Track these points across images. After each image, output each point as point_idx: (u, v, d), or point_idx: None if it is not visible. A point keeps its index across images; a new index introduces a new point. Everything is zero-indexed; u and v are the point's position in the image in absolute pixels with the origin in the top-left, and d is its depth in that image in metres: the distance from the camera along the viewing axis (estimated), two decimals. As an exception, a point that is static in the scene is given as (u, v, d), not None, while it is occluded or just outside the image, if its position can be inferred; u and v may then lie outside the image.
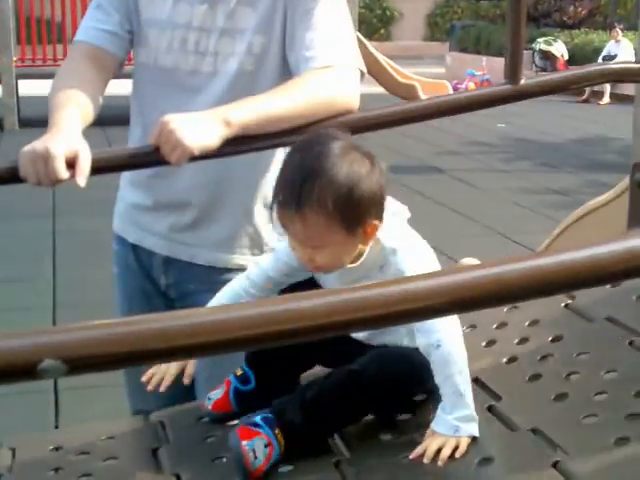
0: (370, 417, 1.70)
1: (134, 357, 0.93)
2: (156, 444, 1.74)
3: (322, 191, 1.51)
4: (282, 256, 1.71)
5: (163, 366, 1.72)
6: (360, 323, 1.02)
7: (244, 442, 1.55)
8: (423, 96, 11.44)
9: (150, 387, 1.71)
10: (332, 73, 1.89)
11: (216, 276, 2.04)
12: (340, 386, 1.61)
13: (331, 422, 1.64)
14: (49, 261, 5.78)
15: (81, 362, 0.89)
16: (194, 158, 1.76)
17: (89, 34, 2.03)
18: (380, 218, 1.59)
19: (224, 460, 1.64)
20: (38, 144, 1.74)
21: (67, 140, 1.76)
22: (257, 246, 2.08)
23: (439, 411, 1.59)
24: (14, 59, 10.95)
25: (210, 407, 1.76)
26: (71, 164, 1.73)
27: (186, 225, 2.07)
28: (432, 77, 14.24)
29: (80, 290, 5.14)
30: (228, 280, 1.90)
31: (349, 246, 1.58)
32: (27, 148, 1.75)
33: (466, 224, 6.81)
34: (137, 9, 2.02)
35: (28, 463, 1.74)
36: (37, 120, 10.83)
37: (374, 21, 24.90)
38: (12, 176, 1.79)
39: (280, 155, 2.01)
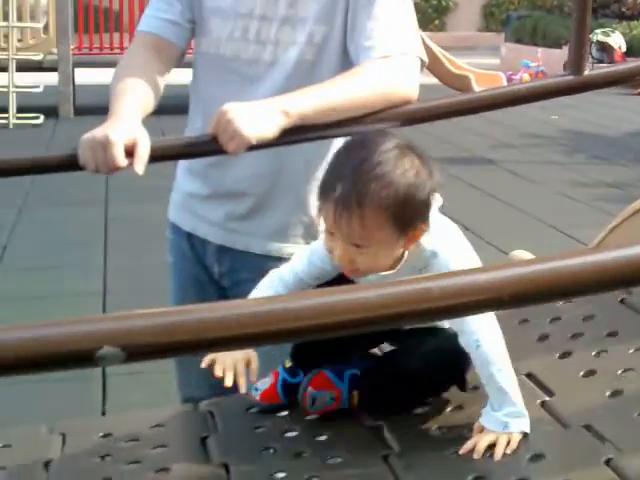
0: (419, 411, 1.70)
1: (192, 345, 0.94)
2: (205, 433, 1.75)
3: (386, 191, 1.52)
4: (316, 260, 1.72)
5: (228, 360, 1.71)
6: (419, 315, 1.01)
7: (310, 389, 1.64)
8: (477, 87, 11.35)
9: (218, 373, 1.70)
10: (391, 63, 1.88)
11: (270, 265, 2.03)
12: (405, 379, 1.67)
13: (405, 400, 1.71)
14: (100, 248, 5.85)
15: (139, 350, 0.90)
16: (251, 147, 1.76)
17: (151, 24, 2.04)
18: (427, 222, 1.59)
19: (271, 451, 1.66)
20: (98, 132, 1.76)
21: (126, 128, 1.77)
22: (311, 235, 2.08)
23: (487, 407, 1.58)
24: (71, 47, 11.07)
25: (258, 397, 1.76)
26: (130, 152, 1.75)
27: (242, 214, 2.07)
28: (486, 68, 14.11)
29: (130, 277, 5.19)
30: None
31: (393, 249, 1.59)
32: (87, 136, 1.77)
33: (518, 217, 6.74)
34: None
35: (78, 449, 1.76)
36: (92, 108, 11.00)
37: (429, 11, 24.74)
38: (71, 163, 1.81)
39: (337, 145, 2.01)
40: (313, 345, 1.70)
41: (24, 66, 10.66)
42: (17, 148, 8.06)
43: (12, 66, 10.35)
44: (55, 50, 11.00)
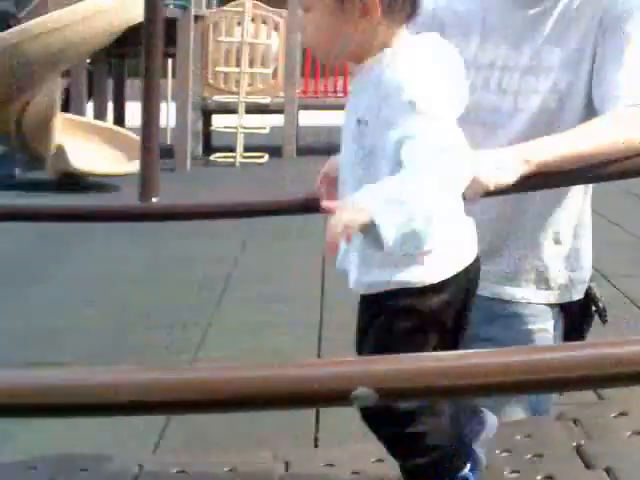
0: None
1: (439, 391, 0.95)
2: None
3: None
4: None
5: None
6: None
7: None
8: None
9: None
10: (637, 113, 1.83)
11: (500, 308, 2.04)
12: None
13: None
14: (318, 280, 5.97)
15: (391, 392, 0.92)
16: (489, 194, 1.77)
17: None
18: None
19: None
20: None
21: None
22: (543, 280, 2.06)
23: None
24: (297, 91, 11.50)
25: None
26: None
27: (474, 258, 2.07)
28: None
29: (346, 310, 5.24)
30: (512, 313, 1.90)
31: (340, 19, 1.47)
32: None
33: None
34: None
35: (300, 478, 1.81)
36: (313, 149, 11.31)
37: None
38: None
39: (574, 190, 1.99)
40: None
41: (252, 109, 11.17)
42: (243, 185, 8.46)
43: (241, 109, 10.87)
44: (282, 94, 11.45)
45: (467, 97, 1.57)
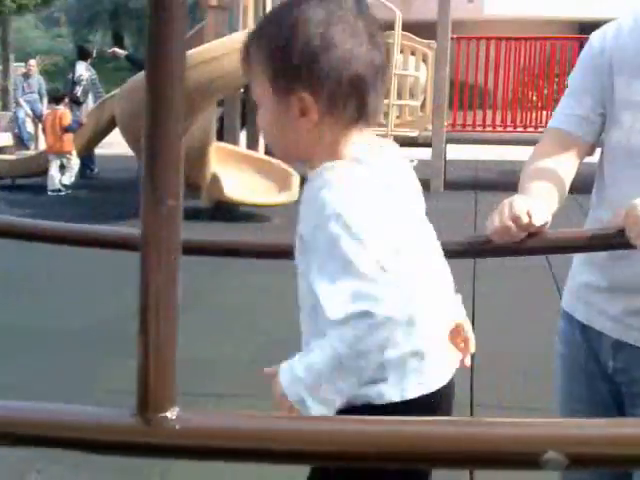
0: None
1: (634, 460, 0.91)
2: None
3: (268, 33, 1.46)
4: None
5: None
6: None
7: None
8: None
9: None
10: None
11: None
12: None
13: None
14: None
15: (582, 458, 0.89)
16: None
17: (559, 120, 2.11)
18: (315, 95, 1.43)
19: None
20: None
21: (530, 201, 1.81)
22: None
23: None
24: (445, 124, 11.46)
25: None
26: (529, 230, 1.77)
27: (641, 309, 2.00)
28: None
29: (498, 360, 5.13)
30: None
31: (282, 116, 1.47)
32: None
33: None
34: (612, 91, 2.02)
35: None
36: (460, 183, 11.15)
37: None
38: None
39: None
40: None
41: (400, 141, 11.19)
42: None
43: (390, 141, 10.93)
44: (430, 127, 11.44)
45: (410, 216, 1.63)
